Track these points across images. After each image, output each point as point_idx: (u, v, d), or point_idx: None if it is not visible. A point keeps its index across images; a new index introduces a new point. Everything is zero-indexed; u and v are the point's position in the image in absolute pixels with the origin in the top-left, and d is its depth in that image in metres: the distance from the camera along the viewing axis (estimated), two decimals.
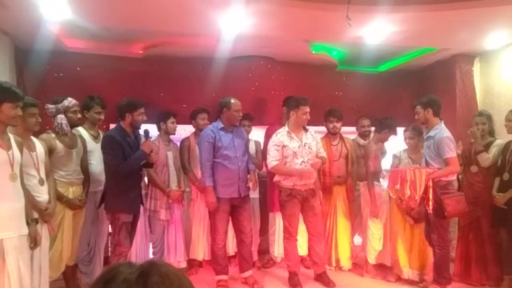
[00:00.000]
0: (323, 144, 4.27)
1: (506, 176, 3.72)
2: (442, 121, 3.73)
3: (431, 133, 3.68)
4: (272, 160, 3.85)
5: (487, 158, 3.85)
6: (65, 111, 3.35)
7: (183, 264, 4.26)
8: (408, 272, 4.02)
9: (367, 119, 4.68)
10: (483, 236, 3.95)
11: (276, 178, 3.98)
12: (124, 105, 3.49)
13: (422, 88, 5.64)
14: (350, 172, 4.46)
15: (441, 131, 3.62)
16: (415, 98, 5.65)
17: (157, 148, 4.03)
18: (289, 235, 3.99)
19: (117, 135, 3.43)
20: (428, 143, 3.69)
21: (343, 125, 4.48)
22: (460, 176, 4.12)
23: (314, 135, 4.03)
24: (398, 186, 3.68)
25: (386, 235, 4.14)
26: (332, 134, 4.41)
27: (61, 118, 3.31)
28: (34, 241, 2.65)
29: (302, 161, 3.85)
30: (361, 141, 4.67)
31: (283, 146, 3.86)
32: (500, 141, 3.92)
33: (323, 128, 4.73)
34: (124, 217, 3.44)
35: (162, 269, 0.76)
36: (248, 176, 3.97)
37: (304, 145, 3.89)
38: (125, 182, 3.44)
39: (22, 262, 2.52)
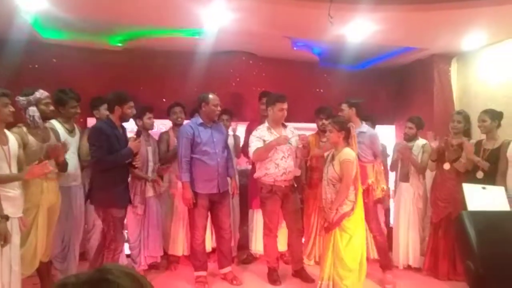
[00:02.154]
0: (312, 140, 4.39)
1: (480, 174, 3.81)
2: (363, 122, 4.13)
3: (363, 129, 4.02)
4: (253, 148, 3.83)
5: (462, 166, 3.95)
6: (37, 103, 3.23)
7: (158, 260, 4.24)
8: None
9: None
10: (453, 232, 4.06)
11: (256, 175, 3.98)
12: (114, 98, 3.40)
13: (401, 86, 5.74)
14: None
15: (370, 129, 4.11)
16: (395, 95, 5.80)
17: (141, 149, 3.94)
18: (269, 231, 4.00)
19: (105, 127, 3.35)
20: (361, 138, 3.88)
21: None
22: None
23: (294, 131, 4.04)
24: (371, 180, 3.88)
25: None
26: (321, 131, 4.44)
27: (33, 111, 3.19)
28: (3, 239, 2.57)
29: (283, 156, 3.86)
30: None
31: (264, 141, 3.86)
32: (472, 142, 4.00)
33: (304, 125, 4.77)
34: (116, 212, 3.39)
35: (111, 285, 0.72)
36: (229, 182, 3.99)
37: None
38: (113, 176, 3.38)
39: None
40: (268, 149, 3.81)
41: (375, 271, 4.11)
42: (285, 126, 4.01)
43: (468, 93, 5.09)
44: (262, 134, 3.90)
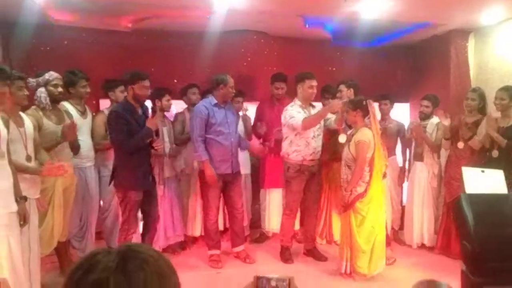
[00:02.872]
0: None
1: (495, 153, 3.75)
2: None
3: None
4: (299, 118, 3.75)
5: (478, 143, 3.87)
6: (45, 84, 3.27)
7: (180, 239, 4.30)
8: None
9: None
10: None
11: (285, 151, 3.94)
12: (126, 77, 3.36)
13: (417, 63, 5.60)
14: None
15: None
16: (409, 73, 5.68)
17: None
18: (290, 212, 4.02)
19: (122, 110, 3.33)
20: None
21: None
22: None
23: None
24: None
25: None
26: None
27: (40, 92, 3.23)
28: (23, 219, 2.64)
29: (313, 136, 3.88)
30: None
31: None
32: (490, 116, 3.91)
33: (318, 104, 4.74)
34: (134, 195, 3.38)
35: (140, 255, 0.77)
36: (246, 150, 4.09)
37: None
38: (134, 158, 3.36)
39: (12, 239, 2.53)
40: (321, 116, 3.76)
41: None
42: (313, 107, 3.99)
43: (484, 69, 4.95)
44: (298, 110, 3.85)
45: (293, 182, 3.92)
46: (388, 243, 3.99)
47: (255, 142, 4.78)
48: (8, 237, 2.49)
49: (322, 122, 3.93)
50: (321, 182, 4.16)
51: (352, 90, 4.09)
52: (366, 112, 3.49)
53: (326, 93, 4.42)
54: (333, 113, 3.85)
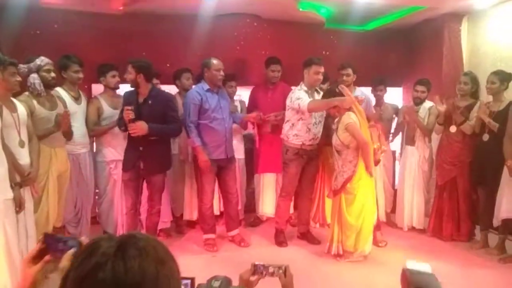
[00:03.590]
0: None
1: (486, 137, 3.80)
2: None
3: (357, 93, 4.09)
4: (306, 100, 3.73)
5: (470, 128, 3.91)
6: (38, 70, 3.22)
7: (167, 225, 4.32)
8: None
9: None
10: (458, 194, 4.12)
11: (285, 133, 3.96)
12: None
13: (410, 47, 5.59)
14: None
15: (364, 93, 4.20)
16: (402, 56, 5.68)
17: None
18: (286, 194, 4.07)
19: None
20: None
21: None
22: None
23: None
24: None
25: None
26: None
27: (33, 78, 3.19)
28: (18, 205, 2.64)
29: (315, 122, 3.91)
30: None
31: None
32: (482, 102, 3.95)
33: None
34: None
35: (140, 242, 0.80)
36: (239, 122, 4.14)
37: None
38: (128, 141, 3.69)
39: (8, 225, 2.54)
40: (328, 104, 3.65)
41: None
42: (318, 92, 3.98)
43: (477, 53, 4.97)
44: (304, 94, 3.84)
45: (291, 165, 3.96)
46: (378, 227, 4.06)
47: (248, 126, 4.76)
48: (5, 224, 2.50)
49: (324, 112, 3.94)
50: (318, 167, 4.20)
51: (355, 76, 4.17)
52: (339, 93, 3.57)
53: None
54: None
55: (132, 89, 3.62)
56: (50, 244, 1.13)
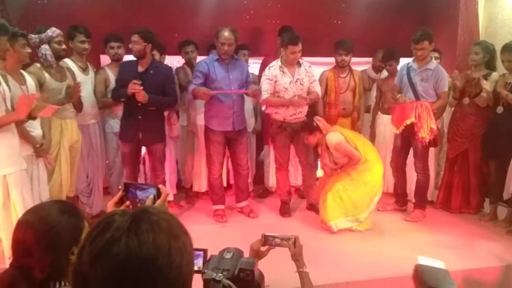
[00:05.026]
0: (330, 76, 4.28)
1: (500, 109, 3.73)
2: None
3: (430, 66, 3.87)
4: (264, 93, 3.83)
5: (484, 100, 3.81)
6: (49, 41, 3.19)
7: (171, 197, 4.32)
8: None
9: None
10: (468, 167, 4.08)
11: (268, 110, 4.00)
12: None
13: (425, 16, 5.41)
14: (357, 104, 4.43)
15: (438, 66, 3.90)
16: (417, 26, 5.50)
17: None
18: (279, 166, 4.10)
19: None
20: (424, 75, 3.87)
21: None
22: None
23: (308, 70, 3.93)
24: (410, 120, 3.73)
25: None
26: (340, 67, 4.30)
27: (45, 49, 3.16)
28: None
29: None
30: (373, 74, 4.75)
31: (275, 81, 3.80)
32: (495, 74, 3.84)
33: (320, 59, 4.65)
34: (122, 145, 3.76)
35: (153, 217, 0.81)
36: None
37: (296, 81, 3.85)
38: (124, 110, 3.68)
39: (26, 194, 2.61)
40: (280, 104, 3.84)
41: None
42: (299, 64, 3.90)
43: (494, 22, 4.80)
44: (274, 74, 3.80)
45: (277, 138, 4.02)
46: (421, 207, 4.06)
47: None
48: (23, 192, 2.58)
49: (305, 83, 3.87)
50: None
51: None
52: (319, 128, 3.70)
53: (340, 49, 4.21)
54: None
55: (129, 60, 3.56)
56: (130, 192, 1.25)
